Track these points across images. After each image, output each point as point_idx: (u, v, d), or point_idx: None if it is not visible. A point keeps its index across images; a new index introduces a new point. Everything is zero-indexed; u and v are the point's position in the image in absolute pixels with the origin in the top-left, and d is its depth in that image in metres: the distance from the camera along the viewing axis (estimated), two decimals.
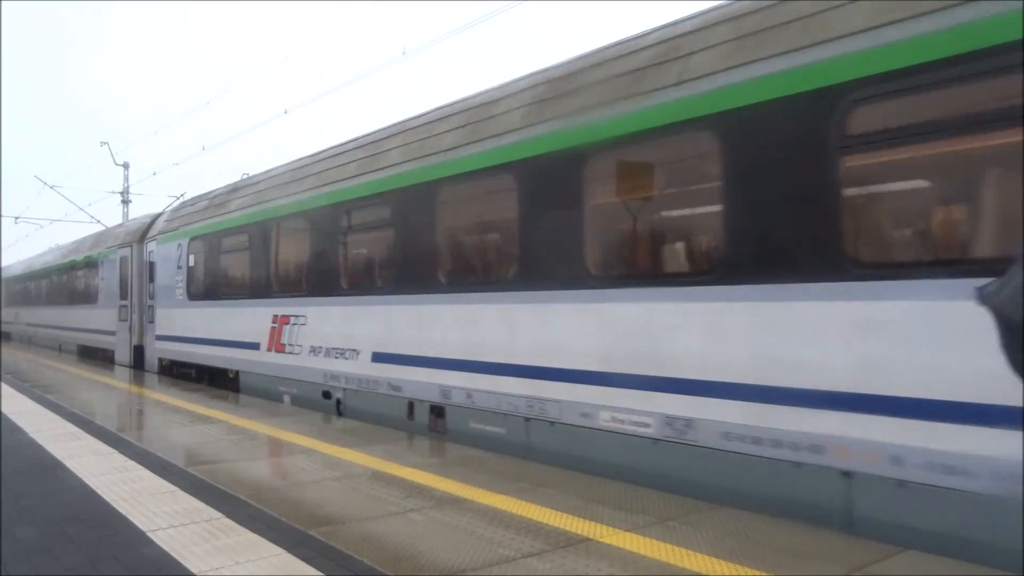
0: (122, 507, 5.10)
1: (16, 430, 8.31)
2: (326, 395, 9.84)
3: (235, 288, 12.65)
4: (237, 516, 4.82)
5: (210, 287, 13.48)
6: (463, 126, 7.82)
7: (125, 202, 34.43)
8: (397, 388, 8.50)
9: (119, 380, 14.47)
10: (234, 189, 13.45)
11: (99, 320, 20.16)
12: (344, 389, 9.47)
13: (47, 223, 43.47)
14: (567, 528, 4.50)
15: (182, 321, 14.61)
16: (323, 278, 10.00)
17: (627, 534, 4.36)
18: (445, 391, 7.76)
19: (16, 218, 45.32)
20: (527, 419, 6.79)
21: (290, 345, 10.70)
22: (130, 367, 17.60)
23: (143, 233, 17.74)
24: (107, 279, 19.68)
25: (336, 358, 9.61)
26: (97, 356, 20.61)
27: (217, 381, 13.50)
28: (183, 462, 6.51)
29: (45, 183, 34.53)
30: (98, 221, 34.20)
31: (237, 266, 12.61)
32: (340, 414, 9.54)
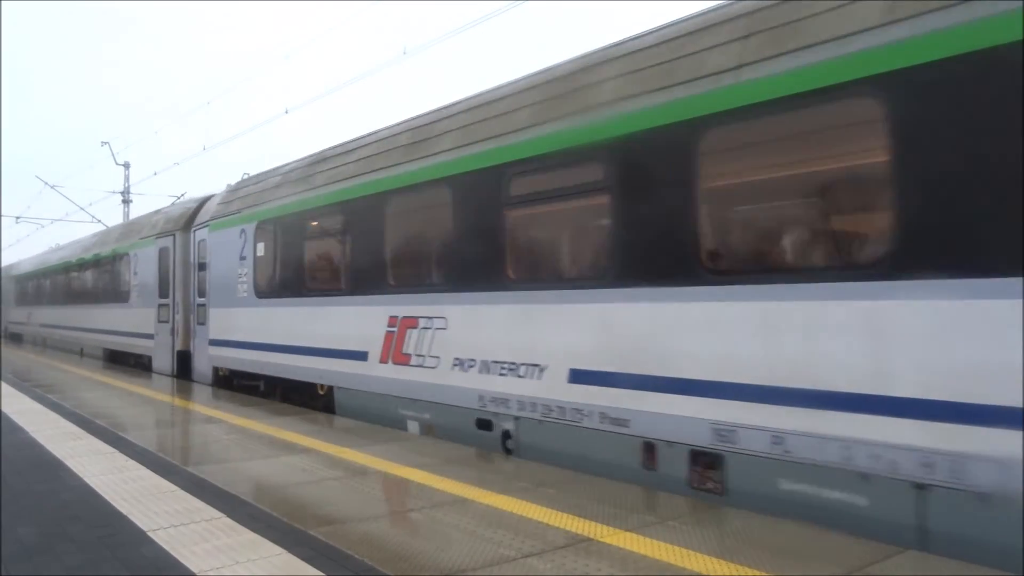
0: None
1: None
2: (483, 424, 7.27)
3: (329, 282, 10.06)
4: (237, 515, 4.66)
5: (289, 281, 10.86)
6: (748, 36, 5.25)
7: (126, 202, 34.28)
8: (621, 422, 5.92)
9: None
10: (320, 160, 10.84)
11: (132, 321, 17.56)
12: (516, 418, 6.89)
13: (48, 223, 43.47)
14: (567, 528, 4.38)
15: (248, 323, 12.00)
16: (477, 267, 7.42)
17: (627, 534, 4.25)
18: (723, 431, 5.19)
19: (17, 218, 44.86)
20: (919, 486, 4.22)
21: (419, 355, 8.13)
22: (172, 376, 15.02)
23: (188, 220, 15.16)
24: (142, 274, 17.10)
25: (502, 375, 7.03)
26: (129, 362, 18.03)
27: (293, 397, 10.93)
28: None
29: (46, 183, 34.34)
30: (99, 221, 33.83)
31: (332, 254, 10.02)
32: (508, 451, 6.97)
